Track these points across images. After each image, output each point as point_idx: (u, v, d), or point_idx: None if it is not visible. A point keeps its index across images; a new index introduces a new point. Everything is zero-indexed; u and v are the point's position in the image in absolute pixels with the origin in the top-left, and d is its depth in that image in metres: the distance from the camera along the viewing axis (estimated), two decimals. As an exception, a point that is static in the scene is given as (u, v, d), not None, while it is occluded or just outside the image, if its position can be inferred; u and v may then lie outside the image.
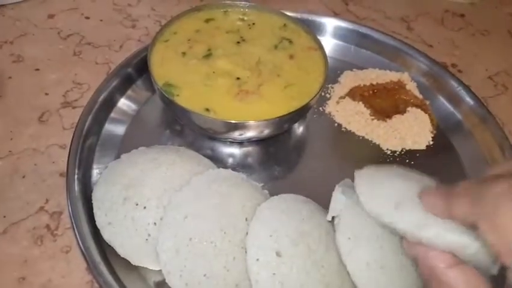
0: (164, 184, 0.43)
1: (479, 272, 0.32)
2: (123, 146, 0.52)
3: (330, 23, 0.65)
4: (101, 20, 0.69)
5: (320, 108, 0.58)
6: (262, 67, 0.52)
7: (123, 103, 0.56)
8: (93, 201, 0.44)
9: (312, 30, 0.57)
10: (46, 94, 0.58)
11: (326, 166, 0.53)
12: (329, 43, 0.64)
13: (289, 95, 0.50)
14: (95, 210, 0.43)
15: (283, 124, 0.50)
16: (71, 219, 0.43)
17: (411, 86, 0.60)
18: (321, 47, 0.54)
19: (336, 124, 0.57)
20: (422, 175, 0.41)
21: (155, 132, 0.55)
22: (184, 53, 0.53)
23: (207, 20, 0.57)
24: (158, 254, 0.39)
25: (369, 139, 0.55)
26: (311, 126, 0.57)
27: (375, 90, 0.60)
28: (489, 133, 0.55)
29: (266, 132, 0.49)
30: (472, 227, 0.29)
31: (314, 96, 0.49)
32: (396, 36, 0.67)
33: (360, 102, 0.58)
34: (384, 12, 0.76)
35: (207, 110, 0.47)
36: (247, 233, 0.40)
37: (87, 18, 0.69)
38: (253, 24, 0.57)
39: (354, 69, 0.62)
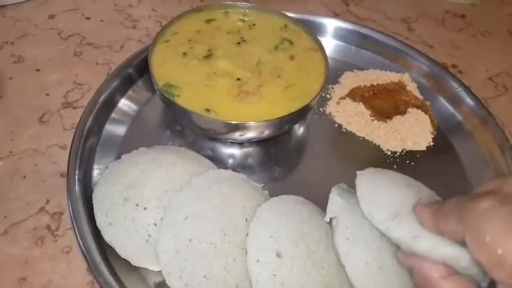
0: (165, 185, 0.43)
1: (472, 282, 0.32)
2: (123, 147, 0.52)
3: (330, 24, 0.65)
4: (101, 21, 0.69)
5: (321, 109, 0.58)
6: (263, 68, 0.52)
7: (124, 103, 0.56)
8: (93, 202, 0.44)
9: (313, 31, 0.57)
10: (47, 94, 0.58)
11: (326, 167, 0.53)
12: (330, 44, 0.64)
13: (290, 95, 0.50)
14: (95, 211, 0.43)
15: (284, 125, 0.50)
16: (71, 219, 0.43)
17: (412, 87, 0.60)
18: (321, 48, 0.54)
19: (336, 125, 0.57)
20: (421, 184, 0.42)
21: (155, 133, 0.55)
22: (184, 54, 0.53)
23: (208, 21, 0.57)
24: (158, 255, 0.39)
25: (370, 140, 0.55)
26: (311, 127, 0.57)
27: (376, 91, 0.60)
28: (489, 134, 0.55)
29: (266, 133, 0.49)
30: (461, 243, 0.30)
31: (315, 97, 0.49)
32: (397, 37, 0.67)
33: (361, 103, 0.58)
34: (385, 13, 0.76)
35: (208, 110, 0.47)
36: (247, 234, 0.40)
37: (88, 18, 0.69)
38: (254, 25, 0.57)
39: (354, 70, 0.62)
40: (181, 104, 0.47)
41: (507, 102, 0.64)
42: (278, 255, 0.38)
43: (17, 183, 0.49)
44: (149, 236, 0.41)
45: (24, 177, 0.50)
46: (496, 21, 0.77)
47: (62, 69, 0.61)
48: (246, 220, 0.41)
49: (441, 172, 0.53)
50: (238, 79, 0.51)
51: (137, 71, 0.57)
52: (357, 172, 0.41)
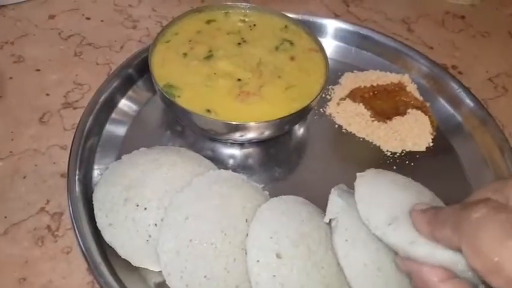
0: (165, 185, 0.43)
1: (470, 285, 0.33)
2: (124, 147, 0.52)
3: (331, 25, 0.65)
4: (102, 21, 0.69)
5: (321, 109, 0.58)
6: (263, 68, 0.52)
7: (124, 104, 0.56)
8: (94, 202, 0.44)
9: (313, 31, 0.57)
10: (47, 95, 0.58)
11: (326, 167, 0.53)
12: (330, 44, 0.64)
13: (290, 96, 0.50)
14: (96, 211, 0.43)
15: (284, 125, 0.50)
16: (71, 220, 0.43)
17: (412, 88, 0.60)
18: (322, 49, 0.54)
19: (336, 125, 0.57)
20: (420, 185, 0.42)
21: (156, 133, 0.55)
22: (185, 54, 0.53)
23: (208, 21, 0.57)
24: (158, 255, 0.39)
25: (370, 140, 0.56)
26: (312, 128, 0.58)
27: (376, 92, 0.60)
28: (489, 135, 0.55)
29: (267, 133, 0.49)
30: (457, 250, 0.31)
31: (315, 98, 0.49)
32: (397, 38, 0.67)
33: (361, 104, 0.58)
34: (385, 14, 0.76)
35: (208, 111, 0.47)
36: (247, 234, 0.40)
37: (88, 18, 0.69)
38: (254, 25, 0.57)
39: (354, 71, 0.62)
40: (181, 105, 0.47)
41: (507, 103, 0.64)
42: (278, 255, 0.38)
43: (17, 184, 0.49)
44: (150, 236, 0.41)
45: (24, 177, 0.50)
46: (495, 22, 0.77)
47: (62, 69, 0.61)
48: (246, 220, 0.41)
49: (441, 173, 0.53)
50: (239, 80, 0.51)
51: (138, 71, 0.57)
52: (357, 174, 0.41)
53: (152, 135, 0.54)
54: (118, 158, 0.48)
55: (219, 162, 0.51)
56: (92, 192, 0.45)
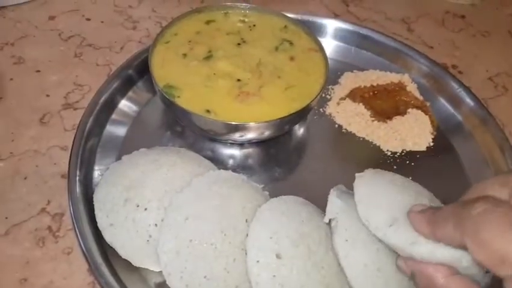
0: (165, 185, 0.43)
1: (475, 281, 0.33)
2: (124, 148, 0.52)
3: (330, 25, 0.65)
4: (102, 22, 0.69)
5: (321, 109, 0.59)
6: (263, 69, 0.52)
7: (124, 104, 0.56)
8: (94, 203, 0.44)
9: (313, 31, 0.57)
10: (47, 96, 0.58)
11: (326, 167, 0.53)
12: (330, 44, 0.64)
13: (290, 96, 0.50)
14: (96, 212, 0.43)
15: (284, 125, 0.50)
16: (72, 220, 0.43)
17: (412, 88, 0.60)
18: (321, 49, 0.54)
19: (336, 125, 0.57)
20: (419, 185, 0.42)
21: (156, 134, 0.55)
22: (184, 55, 0.53)
23: (208, 22, 0.57)
24: (159, 256, 0.39)
25: (370, 140, 0.56)
26: (312, 128, 0.58)
27: (376, 92, 0.60)
28: (489, 134, 0.55)
29: (267, 133, 0.49)
30: (460, 247, 0.31)
31: (315, 98, 0.49)
32: (397, 38, 0.67)
33: (361, 104, 0.58)
34: (385, 14, 0.76)
35: (208, 111, 0.47)
36: (247, 235, 0.40)
37: (88, 19, 0.69)
38: (254, 25, 0.57)
39: (354, 71, 0.62)
40: (181, 105, 0.47)
41: (507, 103, 0.64)
42: (278, 256, 0.38)
43: (17, 184, 0.49)
44: (150, 236, 0.41)
45: (25, 178, 0.50)
46: (495, 21, 0.77)
47: (62, 70, 0.61)
48: (246, 221, 0.41)
49: (441, 172, 0.53)
50: (239, 80, 0.51)
51: (138, 72, 0.57)
52: (356, 174, 0.41)
53: (152, 135, 0.54)
54: (118, 158, 0.48)
55: (219, 162, 0.51)
56: (92, 193, 0.45)
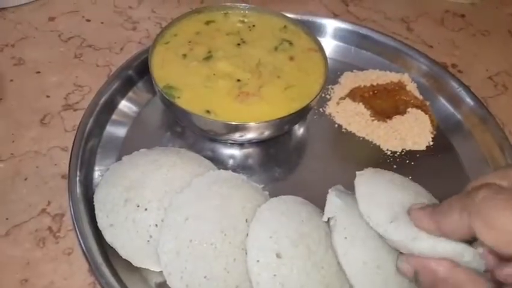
0: (165, 186, 0.43)
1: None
2: (124, 148, 0.52)
3: (330, 24, 0.65)
4: (102, 23, 0.69)
5: (320, 109, 0.59)
6: (263, 69, 0.52)
7: (124, 105, 0.56)
8: (95, 203, 0.44)
9: (312, 31, 0.57)
10: (47, 97, 0.58)
11: (326, 167, 0.53)
12: (329, 44, 0.65)
13: (290, 96, 0.50)
14: (96, 212, 0.43)
15: (284, 125, 0.50)
16: (73, 221, 0.43)
17: (412, 87, 0.60)
18: (321, 48, 0.54)
19: (336, 125, 0.57)
20: (418, 185, 0.42)
21: (156, 134, 0.55)
22: (184, 55, 0.53)
23: (207, 22, 0.57)
24: (159, 256, 0.39)
25: (370, 140, 0.56)
26: (311, 128, 0.58)
27: (376, 91, 0.60)
28: (489, 133, 0.55)
29: (266, 133, 0.49)
30: (465, 237, 0.31)
31: (314, 98, 0.49)
32: (397, 37, 0.67)
33: (361, 103, 0.58)
34: (385, 13, 0.76)
35: (208, 111, 0.48)
36: (247, 235, 0.40)
37: (88, 20, 0.69)
38: (254, 26, 0.57)
39: (354, 70, 0.62)
40: (181, 106, 0.47)
41: (507, 102, 0.64)
42: (278, 255, 0.38)
43: (18, 185, 0.49)
44: (150, 236, 0.41)
45: (25, 179, 0.50)
46: (495, 20, 0.77)
47: (62, 71, 0.61)
48: (246, 221, 0.41)
49: (441, 172, 0.53)
50: (238, 80, 0.51)
51: (138, 72, 0.57)
52: (357, 172, 0.42)
53: (152, 136, 0.54)
54: (119, 159, 0.48)
55: (219, 162, 0.51)
56: (93, 193, 0.45)
